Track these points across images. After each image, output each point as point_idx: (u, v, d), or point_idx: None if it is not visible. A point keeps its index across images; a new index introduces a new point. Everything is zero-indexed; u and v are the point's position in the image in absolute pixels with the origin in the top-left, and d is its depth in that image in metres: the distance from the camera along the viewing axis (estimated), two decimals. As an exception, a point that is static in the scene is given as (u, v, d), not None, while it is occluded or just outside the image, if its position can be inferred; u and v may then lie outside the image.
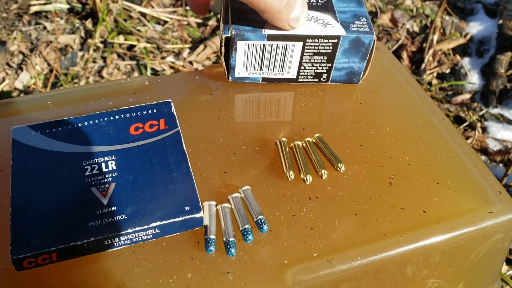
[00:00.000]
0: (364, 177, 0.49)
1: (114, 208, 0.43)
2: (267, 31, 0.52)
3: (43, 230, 0.41)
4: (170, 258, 0.42)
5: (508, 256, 0.86)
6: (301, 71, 0.57)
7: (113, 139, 0.48)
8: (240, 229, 0.44)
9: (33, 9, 1.31)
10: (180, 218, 0.43)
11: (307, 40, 0.54)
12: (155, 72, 1.20)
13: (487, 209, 0.47)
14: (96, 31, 1.25)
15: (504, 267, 0.86)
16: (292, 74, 0.57)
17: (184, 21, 1.33)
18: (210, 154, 0.50)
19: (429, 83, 1.21)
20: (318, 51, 0.55)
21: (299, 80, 0.58)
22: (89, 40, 1.25)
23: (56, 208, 0.43)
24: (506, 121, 1.12)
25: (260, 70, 0.56)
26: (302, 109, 0.55)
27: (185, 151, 0.48)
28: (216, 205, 0.46)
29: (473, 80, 1.20)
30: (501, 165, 1.05)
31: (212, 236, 0.43)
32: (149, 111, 0.51)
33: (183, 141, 0.48)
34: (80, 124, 0.49)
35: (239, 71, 0.56)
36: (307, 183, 0.48)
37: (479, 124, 1.11)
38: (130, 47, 1.25)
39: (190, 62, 1.22)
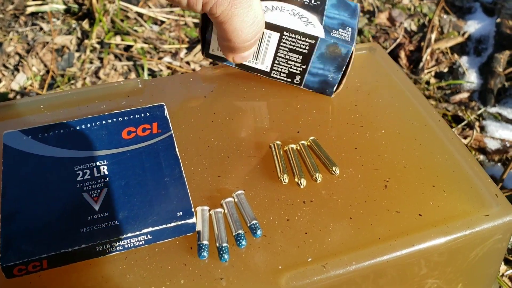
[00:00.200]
0: (359, 180, 0.49)
1: (106, 214, 0.43)
2: None
3: (34, 237, 0.41)
4: (163, 264, 0.42)
5: (507, 256, 0.86)
6: (275, 65, 0.55)
7: (105, 143, 0.48)
8: (234, 234, 0.43)
9: (29, 9, 1.30)
10: (173, 224, 0.42)
11: (284, 33, 0.52)
12: (152, 73, 1.19)
13: (483, 212, 0.46)
14: (93, 32, 1.25)
15: (503, 267, 0.86)
16: (266, 67, 0.55)
17: (181, 21, 1.32)
18: (204, 158, 0.50)
19: (427, 82, 1.21)
20: (294, 48, 0.53)
21: (272, 75, 0.56)
22: (86, 41, 1.24)
23: (47, 214, 0.42)
24: (504, 120, 1.11)
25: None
26: (297, 112, 0.55)
27: (178, 155, 0.47)
28: (209, 210, 0.45)
29: (471, 79, 1.19)
30: (499, 164, 1.04)
31: (205, 242, 0.42)
32: (142, 115, 0.50)
33: (176, 145, 0.48)
34: (72, 129, 0.49)
35: (214, 48, 0.55)
36: (302, 187, 0.47)
37: (477, 123, 1.11)
38: (127, 48, 1.24)
39: (187, 63, 1.22)
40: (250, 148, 0.51)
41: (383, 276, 0.45)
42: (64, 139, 0.48)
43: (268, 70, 0.56)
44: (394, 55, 1.26)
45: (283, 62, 0.55)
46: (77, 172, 0.45)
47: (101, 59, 1.21)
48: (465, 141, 1.06)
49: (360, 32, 1.31)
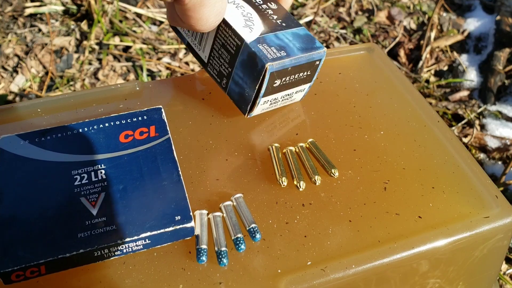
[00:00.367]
0: (358, 182, 0.48)
1: (104, 218, 0.42)
2: None
3: (31, 242, 0.41)
4: (161, 269, 0.42)
5: (508, 255, 0.85)
6: (211, 58, 0.53)
7: (103, 147, 0.48)
8: (232, 238, 0.43)
9: (28, 11, 1.30)
10: (171, 228, 0.42)
11: (221, 25, 0.50)
12: (151, 73, 1.19)
13: (483, 213, 0.46)
14: (92, 33, 1.25)
15: (504, 266, 0.85)
16: (205, 57, 0.53)
17: (179, 22, 1.32)
18: (202, 161, 0.50)
19: (427, 81, 1.21)
20: (225, 44, 0.50)
21: (208, 68, 0.54)
22: (85, 42, 1.24)
23: (44, 219, 0.42)
24: (505, 118, 1.11)
25: (191, 36, 0.54)
26: (296, 113, 0.55)
27: (176, 158, 0.47)
28: (208, 214, 0.45)
29: (471, 77, 1.19)
30: (500, 162, 1.04)
31: (204, 246, 0.42)
32: (139, 118, 0.50)
33: (173, 149, 0.48)
34: (69, 133, 0.49)
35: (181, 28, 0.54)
36: (300, 189, 0.47)
37: (477, 122, 1.10)
38: (126, 49, 1.24)
39: (186, 63, 1.21)
40: (249, 150, 0.51)
41: (383, 278, 0.45)
42: (61, 143, 0.48)
43: (206, 60, 0.53)
44: (393, 53, 1.25)
45: (217, 57, 0.52)
46: (75, 177, 0.45)
47: (100, 60, 1.21)
48: (465, 140, 1.06)
49: (359, 31, 1.31)
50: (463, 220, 0.46)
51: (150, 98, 0.56)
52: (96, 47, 1.23)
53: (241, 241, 0.42)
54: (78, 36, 1.26)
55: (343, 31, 1.31)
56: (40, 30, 1.27)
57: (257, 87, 0.49)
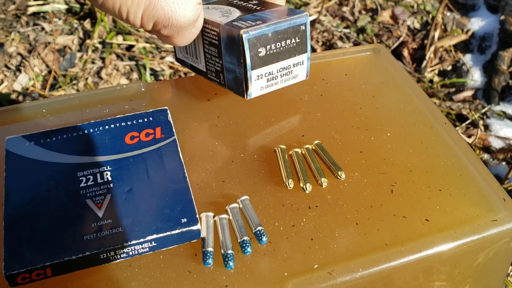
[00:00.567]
0: (365, 184, 0.48)
1: (110, 221, 0.42)
2: None
3: (37, 245, 0.40)
4: (167, 272, 0.41)
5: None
6: (206, 64, 0.52)
7: (109, 148, 0.47)
8: (239, 241, 0.43)
9: (31, 9, 1.30)
10: (177, 231, 0.42)
11: (203, 26, 0.49)
12: (154, 72, 1.19)
13: (491, 217, 0.46)
14: (95, 32, 1.24)
15: (511, 268, 0.85)
16: (203, 66, 0.53)
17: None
18: (208, 162, 0.49)
19: (431, 81, 1.20)
20: (210, 40, 0.50)
21: (208, 75, 0.53)
22: (88, 41, 1.24)
23: (50, 221, 0.42)
24: (509, 118, 1.10)
25: (186, 53, 0.54)
26: (302, 115, 0.54)
27: (182, 160, 0.47)
28: (214, 216, 0.45)
29: (475, 77, 1.19)
30: (504, 163, 1.04)
31: (210, 249, 0.42)
32: (145, 119, 0.50)
33: (179, 150, 0.47)
34: (74, 134, 0.48)
35: (178, 51, 0.54)
36: (307, 191, 0.47)
37: (481, 122, 1.10)
38: (129, 47, 1.24)
39: (189, 62, 1.21)
40: (255, 152, 0.50)
41: (389, 282, 0.45)
42: (67, 145, 0.48)
43: (204, 69, 0.53)
44: (397, 53, 1.25)
45: (209, 59, 0.52)
46: (80, 178, 0.45)
47: (103, 59, 1.21)
48: (469, 140, 1.06)
49: (363, 30, 1.31)
50: (471, 223, 0.45)
51: (155, 99, 0.55)
52: (99, 46, 1.23)
53: (247, 244, 0.42)
54: (81, 35, 1.26)
55: (347, 30, 1.30)
56: (43, 28, 1.27)
57: (242, 60, 0.48)
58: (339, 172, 0.48)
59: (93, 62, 1.20)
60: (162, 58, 1.21)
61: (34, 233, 0.41)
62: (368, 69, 0.61)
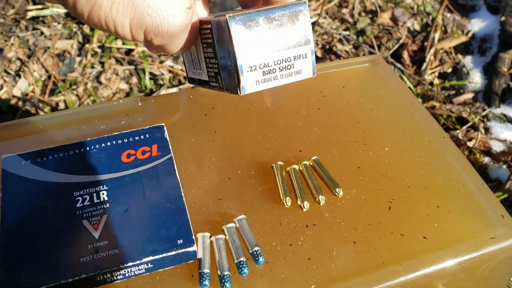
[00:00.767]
0: (362, 201, 0.48)
1: (106, 242, 0.42)
2: None
3: (34, 267, 0.40)
4: (164, 293, 0.41)
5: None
6: (208, 70, 0.48)
7: (105, 167, 0.47)
8: (235, 261, 0.42)
9: (30, 14, 1.29)
10: (173, 252, 0.42)
11: (200, 26, 0.46)
12: (153, 77, 1.18)
13: (489, 234, 0.46)
14: (94, 36, 1.24)
15: None
16: (205, 75, 0.49)
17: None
18: (205, 180, 0.49)
19: (431, 83, 1.20)
20: (207, 41, 0.46)
21: (210, 83, 0.49)
22: (87, 45, 1.23)
23: (47, 243, 0.42)
24: (509, 121, 1.10)
25: (193, 67, 0.51)
26: (299, 129, 0.54)
27: (178, 179, 0.46)
28: (210, 236, 0.44)
29: (476, 79, 1.18)
30: (504, 166, 1.03)
31: (207, 270, 0.42)
32: (142, 137, 0.50)
33: (176, 168, 0.47)
34: (71, 152, 0.48)
35: (187, 69, 0.51)
36: (304, 210, 0.47)
37: (481, 125, 1.10)
38: (128, 52, 1.23)
39: (189, 66, 1.21)
40: (252, 168, 0.50)
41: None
42: (63, 163, 0.47)
43: (207, 78, 0.49)
44: (397, 55, 1.25)
45: (208, 63, 0.48)
46: (77, 198, 0.45)
47: (102, 64, 1.21)
48: (470, 144, 1.05)
49: (363, 32, 1.30)
50: (469, 240, 0.45)
51: (152, 113, 0.55)
52: (99, 50, 1.23)
53: (244, 265, 0.42)
54: (80, 39, 1.26)
55: (346, 32, 1.30)
56: (42, 33, 1.27)
57: (230, 49, 0.43)
58: (337, 189, 0.48)
59: (92, 67, 1.20)
60: (161, 62, 1.21)
61: (30, 255, 0.41)
62: (366, 81, 0.60)
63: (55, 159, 0.48)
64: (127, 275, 0.41)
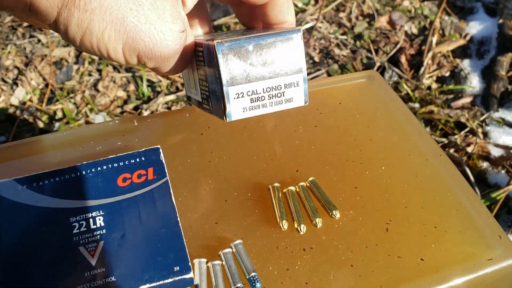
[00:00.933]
0: (359, 223, 0.48)
1: (103, 269, 0.42)
2: None
3: (30, 296, 0.40)
4: (161, 321, 0.41)
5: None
6: (201, 92, 0.48)
7: (101, 192, 0.47)
8: (232, 288, 0.42)
9: (27, 21, 1.29)
10: (170, 280, 0.42)
11: (195, 48, 0.46)
12: (151, 84, 1.18)
13: (486, 255, 0.46)
14: (91, 43, 1.24)
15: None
16: (199, 96, 0.49)
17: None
18: (201, 203, 0.49)
19: (429, 88, 1.20)
20: (200, 63, 0.46)
21: (203, 104, 0.48)
22: (84, 53, 1.23)
23: (44, 270, 0.42)
24: (508, 125, 1.10)
25: (190, 86, 0.51)
26: (296, 149, 0.54)
27: (174, 203, 0.46)
28: (207, 262, 0.44)
29: (474, 83, 1.18)
30: (503, 171, 1.03)
31: (203, 297, 0.42)
32: (137, 160, 0.49)
33: (172, 192, 0.47)
34: (67, 176, 0.48)
35: (186, 88, 0.50)
36: (301, 233, 0.47)
37: (480, 130, 1.10)
38: (125, 59, 1.23)
39: (186, 73, 1.20)
40: (248, 190, 0.50)
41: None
42: (59, 188, 0.47)
43: (200, 99, 0.49)
44: (394, 60, 1.24)
45: (201, 85, 0.47)
46: (73, 224, 0.45)
47: (99, 71, 1.20)
48: (469, 149, 1.05)
49: (360, 36, 1.30)
50: (466, 262, 0.45)
51: (148, 133, 0.55)
52: (96, 57, 1.23)
53: (241, 291, 0.42)
54: (77, 46, 1.25)
55: (344, 37, 1.30)
56: (39, 40, 1.27)
57: (217, 75, 0.42)
58: (334, 212, 0.47)
59: (90, 74, 1.20)
60: (159, 69, 1.21)
61: (27, 282, 0.41)
62: (362, 97, 0.60)
63: (51, 184, 0.48)
64: (124, 303, 0.41)
